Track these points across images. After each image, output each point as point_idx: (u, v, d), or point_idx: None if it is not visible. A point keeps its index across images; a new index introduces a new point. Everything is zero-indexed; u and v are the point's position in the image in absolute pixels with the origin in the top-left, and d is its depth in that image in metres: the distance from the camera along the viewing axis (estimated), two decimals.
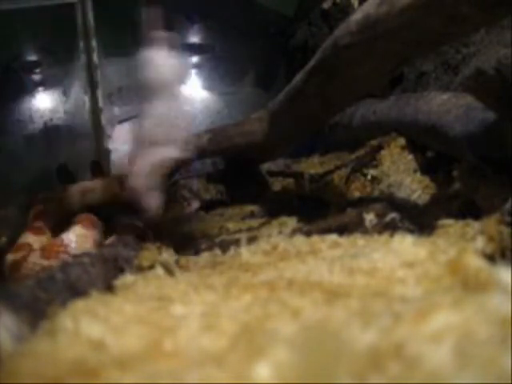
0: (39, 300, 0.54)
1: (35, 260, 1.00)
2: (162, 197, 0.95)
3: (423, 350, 0.32)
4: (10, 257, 1.07)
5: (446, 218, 0.72)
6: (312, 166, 1.88)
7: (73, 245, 1.02)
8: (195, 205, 1.27)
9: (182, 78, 0.97)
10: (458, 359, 0.31)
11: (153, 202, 0.93)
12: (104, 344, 0.42)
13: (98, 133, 2.33)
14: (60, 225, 1.17)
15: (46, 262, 0.99)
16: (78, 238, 1.04)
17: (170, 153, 0.94)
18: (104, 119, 2.34)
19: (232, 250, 0.79)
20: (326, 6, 2.18)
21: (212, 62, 2.57)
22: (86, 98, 2.33)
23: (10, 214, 1.50)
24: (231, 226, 1.24)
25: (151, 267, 0.72)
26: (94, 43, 2.28)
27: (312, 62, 1.16)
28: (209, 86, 2.59)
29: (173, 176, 1.86)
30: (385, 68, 0.99)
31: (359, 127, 1.77)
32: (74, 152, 2.34)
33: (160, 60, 0.97)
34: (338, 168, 1.60)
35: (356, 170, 1.43)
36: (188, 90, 2.59)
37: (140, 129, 0.95)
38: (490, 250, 0.59)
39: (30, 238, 1.16)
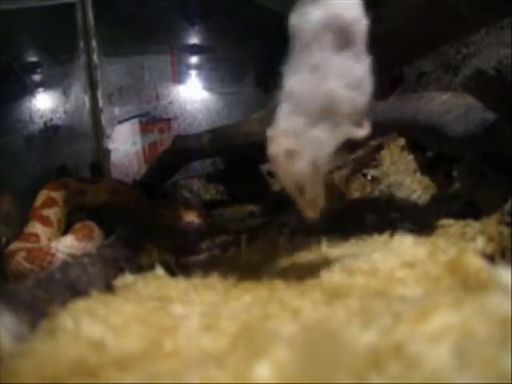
0: (39, 300, 0.54)
1: (19, 260, 0.96)
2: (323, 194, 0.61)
3: (423, 349, 0.32)
4: (12, 245, 1.03)
5: (446, 218, 0.72)
6: None
7: (60, 255, 0.97)
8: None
9: (355, 20, 0.59)
10: (457, 359, 0.31)
11: (314, 202, 0.61)
12: (104, 344, 0.42)
13: (98, 133, 2.33)
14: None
15: (27, 266, 0.95)
16: (67, 249, 0.98)
17: (347, 131, 0.60)
18: (104, 119, 2.34)
19: (232, 250, 0.79)
20: None
21: (212, 62, 2.58)
22: (86, 98, 2.33)
23: (10, 213, 1.50)
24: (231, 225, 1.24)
25: (151, 267, 0.72)
26: (94, 43, 2.28)
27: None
28: (209, 87, 2.59)
29: (172, 175, 1.86)
30: (385, 68, 0.99)
31: None
32: (73, 152, 2.34)
33: None
34: (338, 168, 1.60)
35: (356, 169, 1.43)
36: (188, 91, 2.60)
37: (293, 91, 0.60)
38: (489, 250, 0.59)
39: (39, 229, 1.11)
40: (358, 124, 0.60)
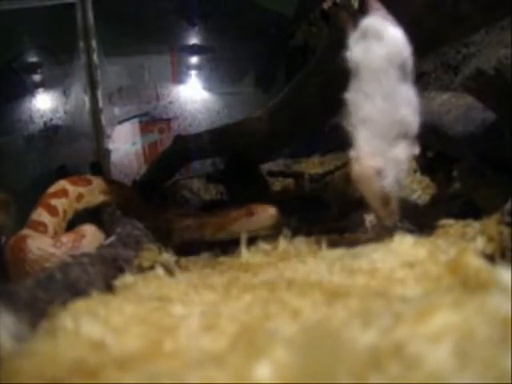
0: (39, 300, 0.54)
1: (43, 246, 0.92)
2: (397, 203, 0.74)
3: (423, 350, 0.32)
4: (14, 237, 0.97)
5: (446, 218, 0.72)
6: (312, 166, 1.88)
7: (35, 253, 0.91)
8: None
9: (409, 55, 0.71)
10: (457, 359, 0.31)
11: (393, 212, 0.73)
12: (104, 344, 0.42)
13: (98, 133, 2.33)
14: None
15: (58, 252, 0.91)
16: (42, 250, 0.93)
17: (408, 149, 0.72)
18: (104, 119, 2.34)
19: (232, 250, 0.79)
20: (325, 6, 2.18)
21: (212, 62, 2.58)
22: (86, 98, 2.33)
23: (10, 213, 1.50)
24: None
25: (151, 267, 0.72)
26: (94, 43, 2.28)
27: (312, 62, 1.16)
28: (209, 87, 2.59)
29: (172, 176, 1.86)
30: None
31: None
32: (73, 152, 2.34)
33: (386, 31, 0.72)
34: (338, 168, 1.60)
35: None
36: (188, 91, 2.60)
37: (370, 118, 0.72)
38: (490, 250, 0.59)
39: (45, 218, 1.07)
40: (414, 143, 0.72)
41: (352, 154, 0.71)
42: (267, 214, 0.94)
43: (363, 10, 0.74)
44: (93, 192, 1.23)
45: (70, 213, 1.17)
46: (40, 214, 1.08)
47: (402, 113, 0.71)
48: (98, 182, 1.26)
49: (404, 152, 0.71)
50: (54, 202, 1.12)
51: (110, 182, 1.32)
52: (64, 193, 1.16)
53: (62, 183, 1.18)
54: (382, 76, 0.71)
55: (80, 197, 1.20)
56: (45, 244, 0.94)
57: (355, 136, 0.72)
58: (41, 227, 1.04)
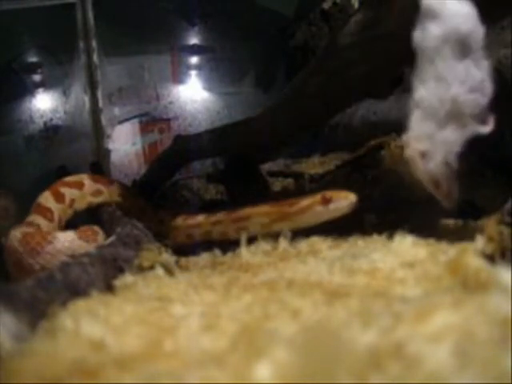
0: (39, 300, 0.54)
1: (68, 240, 0.92)
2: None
3: (423, 350, 0.32)
4: (17, 232, 0.94)
5: (446, 218, 0.72)
6: (312, 166, 1.88)
7: (57, 246, 0.92)
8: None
9: (473, 28, 0.67)
10: (457, 359, 0.31)
11: (449, 193, 0.71)
12: (104, 344, 0.42)
13: (98, 133, 2.33)
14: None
15: (84, 245, 0.92)
16: (67, 243, 0.94)
17: (461, 130, 0.70)
18: (104, 119, 2.34)
19: (232, 250, 0.79)
20: (326, 5, 2.18)
21: (212, 62, 2.57)
22: (86, 98, 2.33)
23: (8, 212, 1.50)
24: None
25: (151, 267, 0.72)
26: (94, 43, 2.28)
27: (312, 62, 1.16)
28: (209, 87, 2.59)
29: (173, 175, 1.86)
30: (385, 68, 0.99)
31: (359, 127, 1.77)
32: (73, 152, 2.34)
33: (444, 8, 0.69)
34: (338, 168, 1.60)
35: (356, 169, 1.43)
36: (188, 91, 2.60)
37: (422, 100, 0.70)
38: (490, 250, 0.59)
39: (40, 220, 1.07)
40: (483, 121, 0.69)
41: (404, 137, 0.70)
42: (347, 200, 0.85)
43: None
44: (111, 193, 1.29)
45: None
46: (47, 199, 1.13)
47: (454, 92, 0.68)
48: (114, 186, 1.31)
49: (455, 133, 0.69)
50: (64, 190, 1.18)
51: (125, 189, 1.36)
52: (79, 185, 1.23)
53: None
54: (435, 56, 0.69)
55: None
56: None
57: (409, 119, 0.71)
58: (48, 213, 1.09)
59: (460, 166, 0.69)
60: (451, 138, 0.69)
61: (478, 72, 0.68)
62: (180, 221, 1.05)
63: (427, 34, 0.69)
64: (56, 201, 1.16)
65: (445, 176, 0.69)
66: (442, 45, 0.69)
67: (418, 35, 0.70)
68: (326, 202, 0.86)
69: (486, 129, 0.68)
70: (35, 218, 1.08)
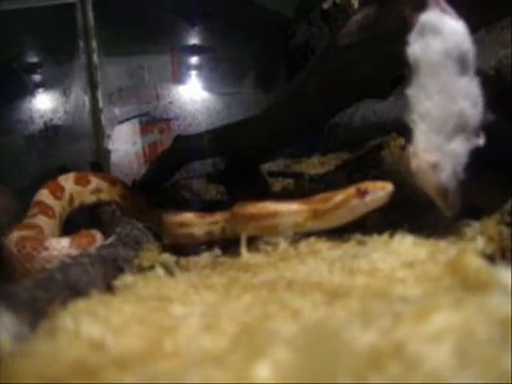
0: (39, 300, 0.54)
1: (65, 246, 0.90)
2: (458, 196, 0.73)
3: (423, 349, 0.32)
4: (15, 235, 0.93)
5: (446, 218, 0.72)
6: (312, 166, 1.88)
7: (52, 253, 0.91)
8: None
9: (470, 47, 0.71)
10: (457, 359, 0.31)
11: (454, 204, 0.72)
12: (104, 344, 0.42)
13: (98, 133, 2.33)
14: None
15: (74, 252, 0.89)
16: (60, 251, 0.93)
17: (467, 142, 0.71)
18: (104, 119, 2.34)
19: (232, 250, 0.79)
20: (326, 5, 2.18)
21: (212, 62, 2.57)
22: (86, 98, 2.33)
23: (8, 211, 1.50)
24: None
25: (151, 267, 0.72)
26: (94, 43, 2.28)
27: (312, 62, 1.16)
28: (209, 87, 2.59)
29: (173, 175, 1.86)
30: (385, 68, 0.99)
31: (359, 127, 1.77)
32: (73, 152, 2.34)
33: (444, 25, 0.71)
34: (338, 168, 1.60)
35: (356, 169, 1.43)
36: (188, 91, 2.60)
37: (428, 113, 0.72)
38: (489, 250, 0.59)
39: (41, 220, 1.06)
40: (477, 135, 0.72)
41: (410, 148, 0.72)
42: (385, 190, 0.79)
43: (422, 5, 0.73)
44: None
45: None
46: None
47: (460, 106, 0.71)
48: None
49: (462, 145, 0.71)
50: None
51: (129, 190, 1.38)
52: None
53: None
54: (440, 71, 0.72)
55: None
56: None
57: (414, 131, 0.73)
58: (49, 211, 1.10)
59: (463, 170, 0.71)
60: (459, 150, 0.71)
61: (475, 87, 0.71)
62: (197, 219, 0.99)
63: (429, 49, 0.72)
64: (55, 197, 1.18)
65: (453, 187, 0.71)
66: (444, 60, 0.71)
67: (416, 49, 0.73)
68: (362, 194, 0.79)
69: (481, 141, 0.71)
70: (35, 214, 1.09)
